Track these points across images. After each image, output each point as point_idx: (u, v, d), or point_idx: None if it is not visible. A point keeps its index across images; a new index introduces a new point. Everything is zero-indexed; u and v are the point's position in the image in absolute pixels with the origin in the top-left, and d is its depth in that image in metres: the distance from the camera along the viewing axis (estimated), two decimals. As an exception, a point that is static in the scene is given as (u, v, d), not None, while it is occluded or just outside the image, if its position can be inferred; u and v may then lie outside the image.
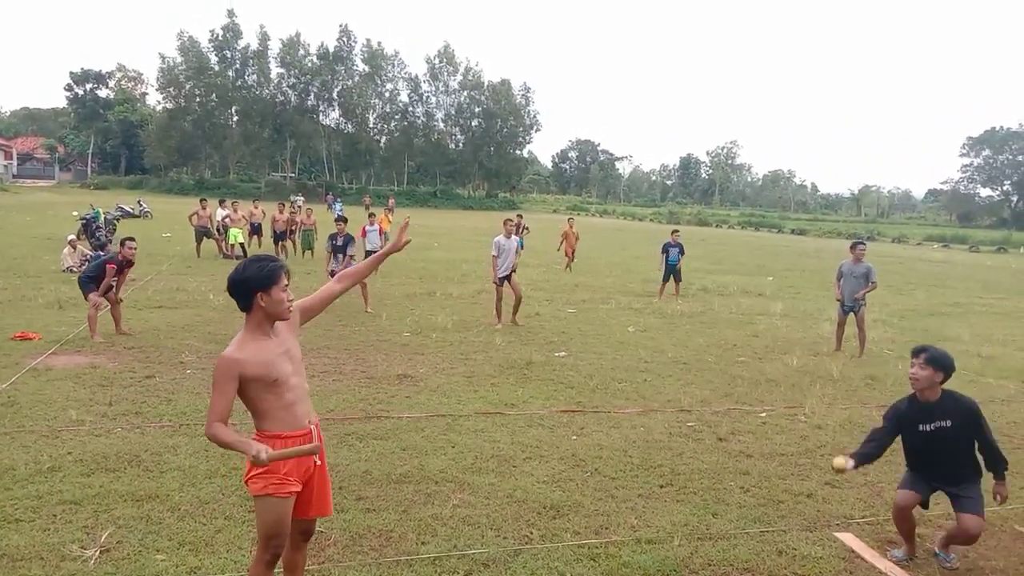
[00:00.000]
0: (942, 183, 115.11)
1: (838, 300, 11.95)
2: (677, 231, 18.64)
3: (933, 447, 4.88)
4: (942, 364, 4.79)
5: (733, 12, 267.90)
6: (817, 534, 5.32)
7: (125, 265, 11.07)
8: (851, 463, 4.91)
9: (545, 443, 6.97)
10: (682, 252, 17.78)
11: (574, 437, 7.18)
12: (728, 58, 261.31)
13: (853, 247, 11.89)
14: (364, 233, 18.48)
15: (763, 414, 8.27)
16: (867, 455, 5.01)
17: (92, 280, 10.72)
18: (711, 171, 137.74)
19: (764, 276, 24.65)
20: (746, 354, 11.59)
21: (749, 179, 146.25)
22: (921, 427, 4.87)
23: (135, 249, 11.13)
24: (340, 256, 13.95)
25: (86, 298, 10.69)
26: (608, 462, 6.53)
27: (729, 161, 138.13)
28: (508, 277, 13.09)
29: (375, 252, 17.05)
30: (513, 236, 13.29)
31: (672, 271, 17.54)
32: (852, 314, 11.73)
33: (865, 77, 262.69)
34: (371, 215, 19.10)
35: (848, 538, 5.27)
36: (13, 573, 4.26)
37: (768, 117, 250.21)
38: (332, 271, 13.86)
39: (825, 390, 9.35)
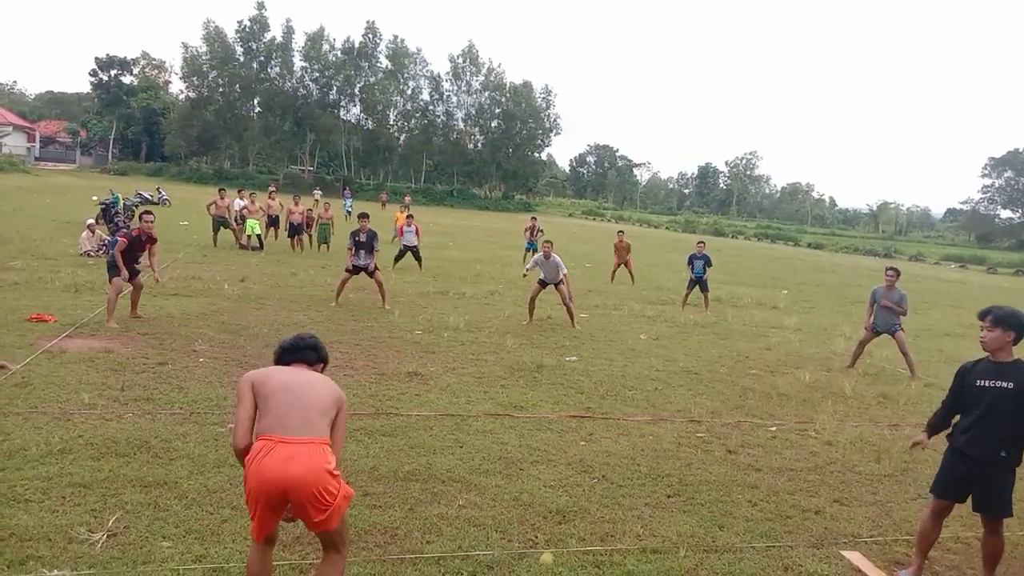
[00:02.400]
0: (962, 203, 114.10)
1: (865, 328, 11.83)
2: (703, 242, 18.31)
3: (985, 406, 4.74)
4: (1011, 323, 4.73)
5: (759, 23, 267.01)
6: (824, 551, 5.28)
7: (146, 240, 11.08)
8: (926, 436, 5.10)
9: (553, 447, 6.95)
10: (708, 264, 17.39)
11: (582, 443, 7.16)
12: (751, 68, 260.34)
13: (886, 272, 11.78)
14: (401, 233, 19.45)
15: (773, 428, 8.22)
16: (936, 425, 5.15)
17: (115, 266, 10.77)
18: (729, 181, 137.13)
19: (779, 289, 24.52)
20: (758, 367, 11.52)
21: (767, 191, 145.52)
22: (980, 382, 4.80)
23: (152, 222, 11.15)
24: (364, 252, 13.85)
25: (110, 282, 10.73)
26: (616, 469, 6.51)
27: (748, 172, 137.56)
28: (552, 283, 13.41)
29: (412, 247, 17.13)
30: (553, 256, 13.41)
31: (698, 282, 17.34)
32: (890, 336, 11.65)
33: (888, 94, 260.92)
34: (410, 216, 20.76)
35: (855, 557, 5.23)
36: (21, 553, 4.29)
37: (789, 129, 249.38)
38: (354, 267, 13.82)
39: (837, 407, 9.29)
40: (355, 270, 13.83)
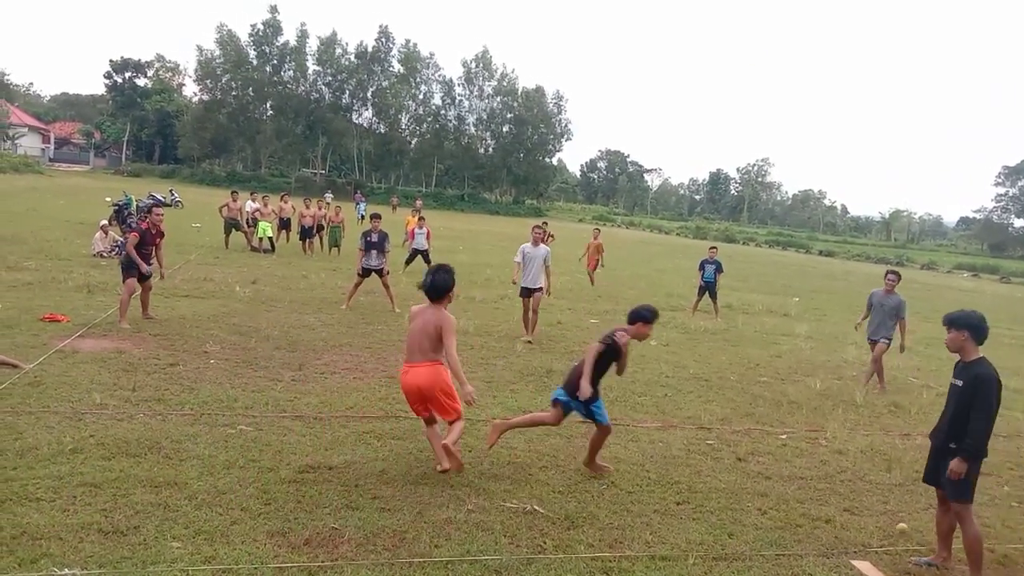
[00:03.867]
0: (975, 211, 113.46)
1: (856, 327, 11.36)
2: (715, 248, 18.30)
3: (948, 401, 5.24)
4: (960, 322, 5.13)
5: (771, 30, 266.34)
6: (834, 560, 5.26)
7: (155, 235, 11.14)
8: None
9: (562, 453, 6.94)
10: (719, 269, 17.32)
11: (591, 448, 7.14)
12: (763, 75, 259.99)
13: (886, 276, 11.24)
14: (413, 236, 19.50)
15: (783, 436, 8.18)
16: None
17: (133, 266, 10.81)
18: (741, 188, 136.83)
19: (790, 296, 24.44)
20: (768, 374, 11.48)
21: (779, 198, 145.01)
22: (952, 381, 5.25)
23: (162, 216, 11.30)
24: (375, 253, 13.91)
25: (124, 282, 10.78)
26: (625, 476, 6.49)
27: (759, 179, 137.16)
28: (532, 292, 12.24)
29: (423, 251, 16.89)
30: (541, 245, 12.50)
31: (708, 288, 17.27)
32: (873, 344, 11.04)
33: (901, 101, 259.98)
34: (421, 218, 21.08)
35: (865, 567, 5.20)
36: (33, 551, 4.31)
37: (801, 136, 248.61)
38: (365, 268, 13.86)
39: (848, 415, 9.24)
40: (366, 272, 13.87)
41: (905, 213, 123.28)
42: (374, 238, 13.87)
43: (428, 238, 20.15)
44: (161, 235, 11.28)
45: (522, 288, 12.43)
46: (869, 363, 11.34)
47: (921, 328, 19.08)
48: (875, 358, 10.99)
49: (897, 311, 10.87)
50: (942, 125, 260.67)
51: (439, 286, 6.14)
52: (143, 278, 10.91)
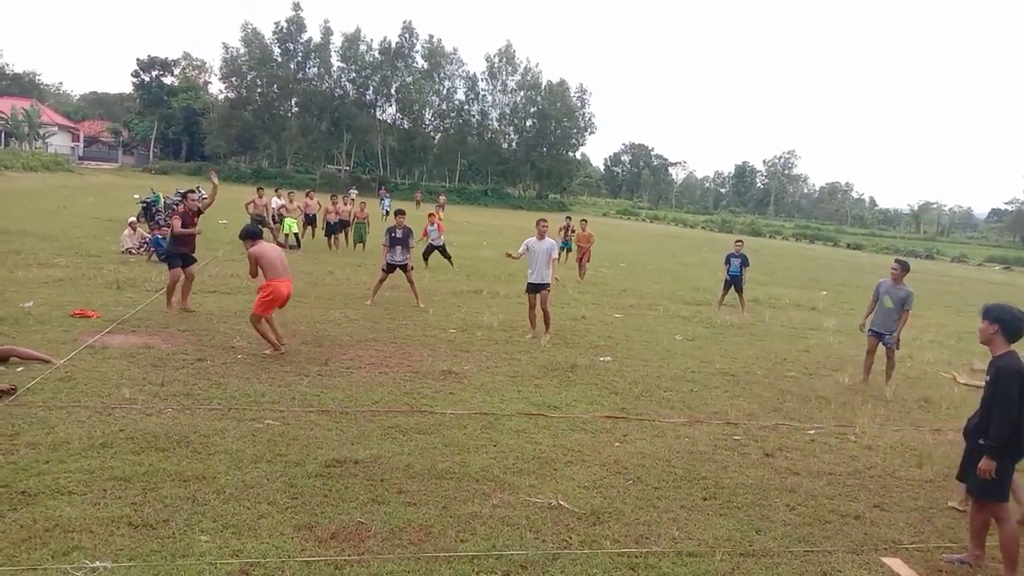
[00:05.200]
0: (1006, 203, 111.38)
1: (861, 325, 10.84)
2: (740, 241, 18.02)
3: (982, 398, 5.13)
4: (992, 315, 5.06)
5: (795, 20, 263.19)
6: (864, 557, 5.19)
7: (193, 214, 11.90)
8: None
9: (587, 448, 6.92)
10: (745, 263, 16.95)
11: (617, 444, 7.12)
12: (789, 66, 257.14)
13: (892, 265, 10.58)
14: (425, 233, 19.27)
15: (812, 431, 8.09)
16: None
17: (175, 255, 11.57)
18: (767, 180, 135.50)
19: (817, 290, 24.18)
20: (796, 369, 11.36)
21: (805, 190, 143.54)
22: (984, 379, 5.18)
23: (197, 199, 11.87)
24: (399, 248, 13.97)
25: (170, 270, 11.57)
26: (651, 471, 6.45)
27: (786, 171, 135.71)
28: (540, 288, 11.81)
29: (439, 246, 16.86)
30: (548, 239, 11.96)
31: (733, 282, 17.09)
32: (883, 345, 10.33)
33: (930, 92, 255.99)
34: (431, 214, 20.99)
35: (896, 564, 5.13)
36: (65, 544, 4.38)
37: (827, 128, 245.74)
38: (389, 264, 13.91)
39: (877, 410, 9.11)
40: (390, 268, 13.92)
41: (934, 205, 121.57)
42: (399, 234, 13.91)
43: (440, 231, 20.16)
44: (198, 213, 12.13)
45: (528, 284, 12.00)
46: (864, 355, 10.78)
47: (952, 322, 18.85)
48: (890, 360, 10.41)
49: (904, 303, 10.18)
50: (972, 115, 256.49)
51: (252, 232, 9.69)
52: (186, 266, 11.58)
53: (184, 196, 12.47)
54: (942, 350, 14.14)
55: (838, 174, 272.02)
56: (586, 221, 22.93)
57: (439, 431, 6.97)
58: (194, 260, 11.96)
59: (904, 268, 10.40)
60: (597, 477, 6.21)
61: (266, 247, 9.66)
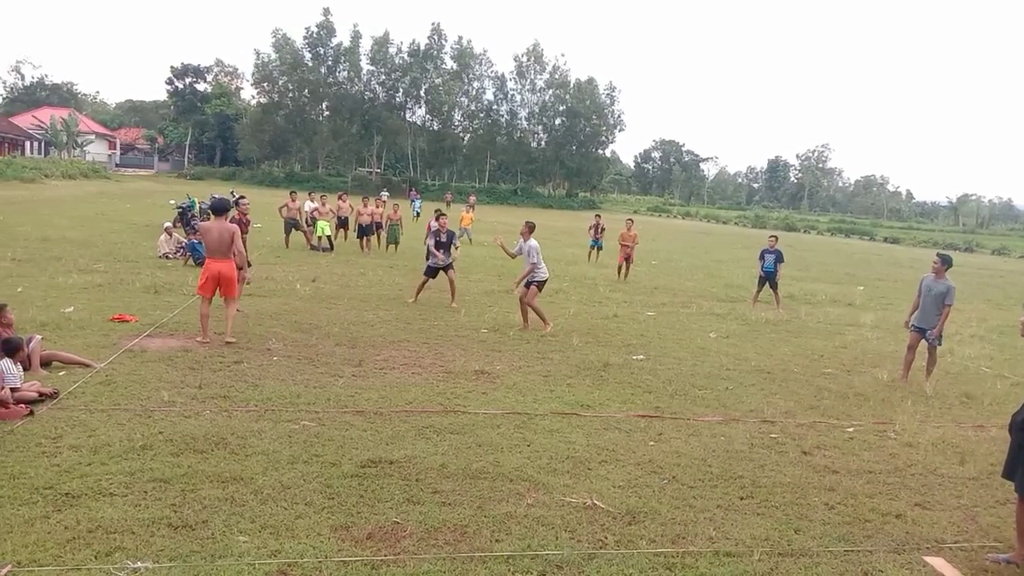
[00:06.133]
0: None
1: (905, 322, 10.65)
2: (775, 237, 17.73)
3: None
4: None
5: (828, 11, 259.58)
6: (905, 557, 5.09)
7: (244, 224, 11.92)
8: None
9: (621, 447, 6.88)
10: (780, 259, 16.66)
11: (651, 443, 7.07)
12: (821, 58, 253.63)
13: (933, 259, 10.48)
14: (429, 228, 19.05)
15: (850, 429, 7.97)
16: None
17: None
18: (800, 175, 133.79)
19: (854, 285, 23.82)
20: (833, 366, 11.20)
21: (840, 184, 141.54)
22: None
23: (248, 205, 11.93)
24: (444, 251, 14.10)
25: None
26: (686, 470, 6.40)
27: (820, 165, 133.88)
28: (528, 286, 12.17)
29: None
30: (531, 240, 12.20)
31: (768, 279, 16.86)
32: (926, 341, 10.21)
33: (966, 81, 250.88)
34: (440, 213, 19.97)
35: (939, 563, 5.02)
36: (108, 544, 4.45)
37: (862, 120, 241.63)
38: (432, 267, 14.04)
39: (917, 407, 8.95)
40: (432, 271, 14.05)
41: (973, 197, 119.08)
42: (443, 237, 14.10)
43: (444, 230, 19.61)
44: (247, 223, 12.06)
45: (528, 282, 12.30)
46: (905, 351, 10.60)
47: (994, 316, 18.44)
48: (932, 357, 10.29)
49: (944, 297, 10.02)
50: (1011, 104, 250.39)
51: (220, 207, 10.31)
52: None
53: (236, 202, 12.83)
54: (984, 344, 13.84)
55: (873, 167, 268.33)
56: (631, 221, 22.23)
57: (473, 431, 6.98)
58: (249, 264, 12.08)
59: (945, 262, 10.26)
60: (632, 476, 6.17)
61: (212, 225, 10.13)
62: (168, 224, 19.97)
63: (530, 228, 12.46)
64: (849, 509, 5.82)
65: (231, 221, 12.23)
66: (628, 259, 20.78)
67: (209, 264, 9.92)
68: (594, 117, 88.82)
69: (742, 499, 5.87)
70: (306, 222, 23.22)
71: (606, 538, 5.02)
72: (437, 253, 14.02)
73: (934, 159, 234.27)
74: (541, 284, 12.32)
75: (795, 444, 7.32)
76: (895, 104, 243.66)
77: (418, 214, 39.86)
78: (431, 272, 14.04)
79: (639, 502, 5.63)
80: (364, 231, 23.46)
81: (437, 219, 14.58)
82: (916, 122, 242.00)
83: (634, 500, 5.66)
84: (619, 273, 20.56)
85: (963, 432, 8.08)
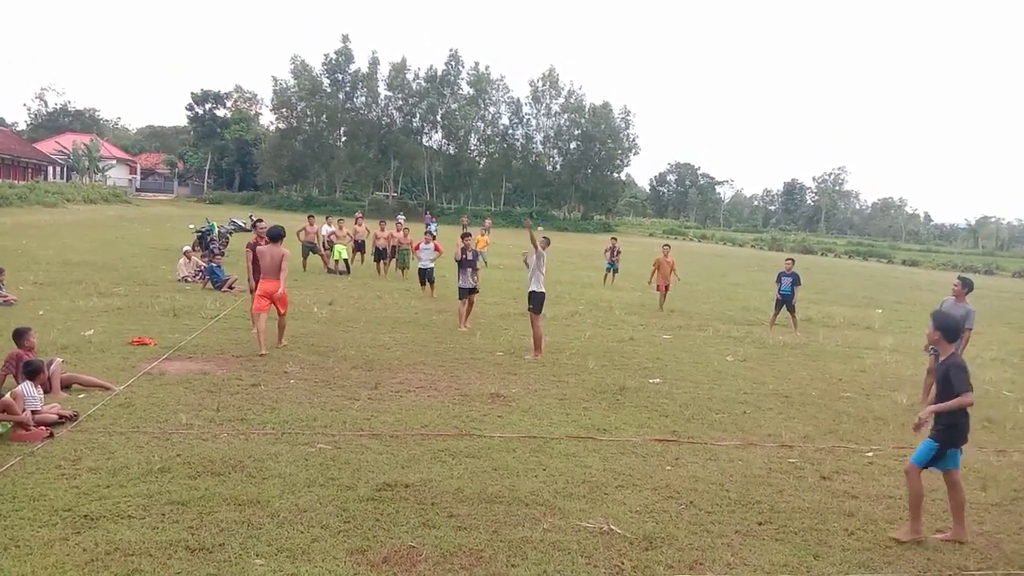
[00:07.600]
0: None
1: (926, 346, 10.32)
2: (791, 259, 17.57)
3: None
4: None
5: (841, 34, 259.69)
6: (928, 585, 5.01)
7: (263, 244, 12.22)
8: None
9: (638, 472, 6.84)
10: (796, 282, 16.54)
11: (668, 467, 7.02)
12: (838, 81, 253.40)
13: (954, 282, 10.36)
14: (418, 247, 19.01)
15: (870, 453, 7.88)
16: None
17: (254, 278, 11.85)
18: (817, 197, 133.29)
19: (873, 308, 23.62)
20: (852, 389, 11.10)
21: (857, 206, 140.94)
22: None
23: (265, 228, 12.12)
24: (469, 271, 14.18)
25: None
26: (704, 495, 6.35)
27: (836, 187, 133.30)
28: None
29: (427, 268, 16.73)
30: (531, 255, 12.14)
31: (785, 302, 16.75)
32: None
33: (984, 102, 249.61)
34: (428, 233, 19.97)
35: (963, 592, 4.94)
36: (125, 567, 4.47)
37: (879, 142, 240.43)
38: (461, 288, 14.14)
39: (938, 431, 8.82)
40: (465, 293, 14.13)
41: (993, 219, 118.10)
42: (469, 256, 14.20)
43: (437, 251, 19.03)
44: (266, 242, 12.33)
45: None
46: (925, 374, 10.40)
47: (1015, 339, 18.23)
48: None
49: (965, 320, 9.55)
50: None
51: (276, 234, 11.21)
52: None
53: (254, 225, 13.45)
54: (1005, 368, 13.67)
55: (890, 189, 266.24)
56: (668, 247, 20.33)
57: (488, 455, 6.97)
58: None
59: (966, 286, 10.19)
60: (649, 501, 6.13)
61: (267, 249, 11.13)
62: (187, 248, 20.15)
63: (546, 242, 12.39)
64: (869, 535, 5.75)
65: (248, 244, 12.49)
66: (667, 288, 19.53)
67: (263, 284, 10.96)
68: (609, 141, 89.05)
69: (760, 524, 5.82)
70: (323, 246, 23.39)
71: (623, 564, 4.98)
72: (465, 271, 14.10)
73: (952, 181, 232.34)
74: (538, 305, 12.00)
75: (814, 469, 7.25)
76: (912, 126, 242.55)
77: (433, 237, 39.93)
78: (464, 294, 14.13)
79: (656, 527, 5.59)
80: (380, 254, 23.56)
81: (463, 238, 14.65)
82: (934, 144, 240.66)
83: (651, 525, 5.63)
84: (661, 306, 19.07)
85: (984, 457, 7.97)
